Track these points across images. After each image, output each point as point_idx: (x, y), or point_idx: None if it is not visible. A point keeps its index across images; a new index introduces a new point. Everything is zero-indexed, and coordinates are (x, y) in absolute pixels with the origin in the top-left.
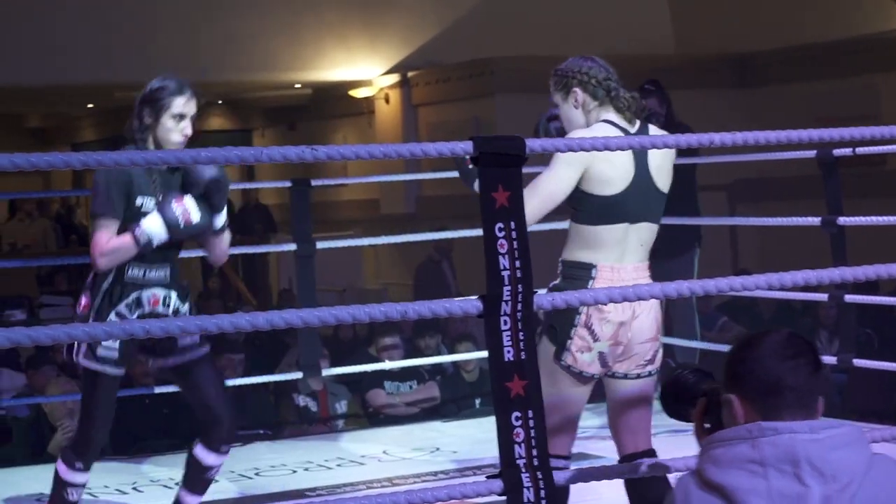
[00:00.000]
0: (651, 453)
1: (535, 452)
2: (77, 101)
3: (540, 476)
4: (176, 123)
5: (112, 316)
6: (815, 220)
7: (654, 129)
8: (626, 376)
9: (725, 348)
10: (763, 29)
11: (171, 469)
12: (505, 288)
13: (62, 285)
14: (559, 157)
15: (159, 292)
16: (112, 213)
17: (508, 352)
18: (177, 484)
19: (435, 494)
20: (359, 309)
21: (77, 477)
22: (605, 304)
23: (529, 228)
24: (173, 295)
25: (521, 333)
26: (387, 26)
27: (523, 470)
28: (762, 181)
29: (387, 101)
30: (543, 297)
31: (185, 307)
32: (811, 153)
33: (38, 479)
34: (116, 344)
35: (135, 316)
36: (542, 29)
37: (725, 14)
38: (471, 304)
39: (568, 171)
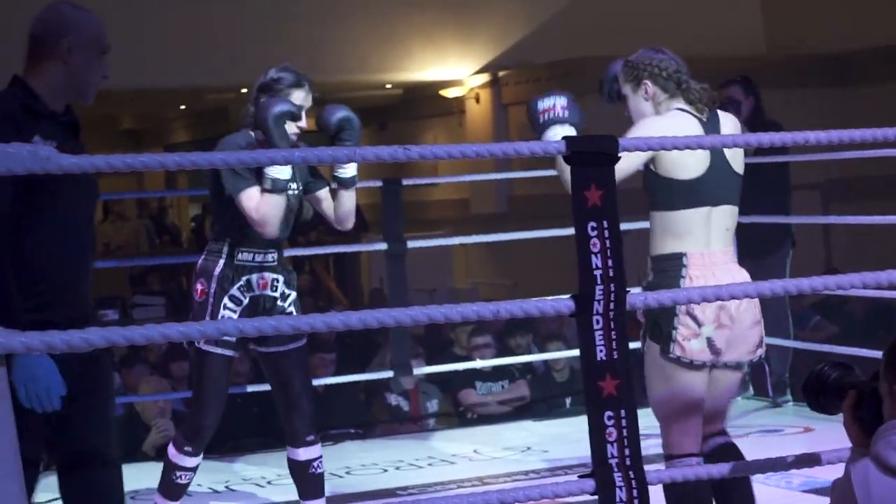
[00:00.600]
0: (725, 432)
1: (627, 452)
2: (169, 103)
3: (632, 475)
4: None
5: (226, 300)
6: None
7: (724, 117)
8: (737, 366)
9: (819, 347)
10: (856, 27)
11: (262, 468)
12: (597, 287)
13: (154, 285)
14: (630, 133)
15: (268, 276)
16: (246, 183)
17: (601, 351)
18: (269, 483)
19: (527, 493)
20: (451, 308)
21: (186, 461)
22: (698, 303)
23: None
24: (280, 279)
25: (613, 333)
26: (477, 26)
27: (615, 469)
28: (856, 180)
29: (477, 100)
30: (636, 297)
31: (293, 293)
32: None
33: (131, 477)
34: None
35: (247, 298)
36: (633, 29)
37: (817, 13)
38: (563, 303)
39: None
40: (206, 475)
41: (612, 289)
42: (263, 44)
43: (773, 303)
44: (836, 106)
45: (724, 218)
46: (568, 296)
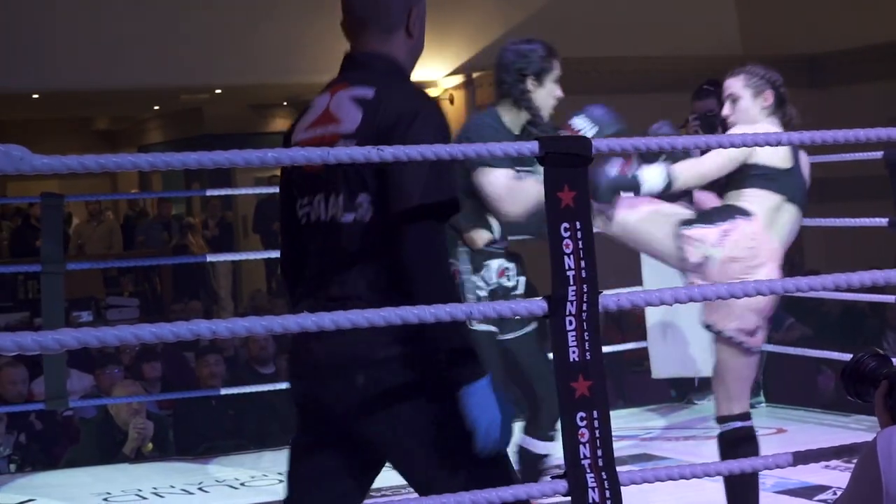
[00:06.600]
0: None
1: (600, 453)
2: (143, 103)
3: (605, 476)
4: (556, 87)
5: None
6: (882, 221)
7: None
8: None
9: (792, 350)
10: (832, 29)
11: (236, 469)
12: (570, 288)
13: (128, 287)
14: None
15: (504, 263)
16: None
17: (574, 352)
18: (242, 484)
19: (500, 495)
20: (423, 310)
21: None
22: (671, 304)
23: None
24: (513, 266)
25: (586, 334)
26: (453, 27)
27: (588, 470)
28: (828, 181)
29: (451, 101)
30: (609, 298)
31: (522, 280)
32: (878, 154)
33: (105, 479)
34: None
35: (488, 287)
36: (609, 30)
37: (793, 15)
38: (536, 304)
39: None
40: (181, 476)
41: (585, 290)
42: (237, 44)
43: None
44: (810, 107)
45: (792, 216)
46: (541, 297)
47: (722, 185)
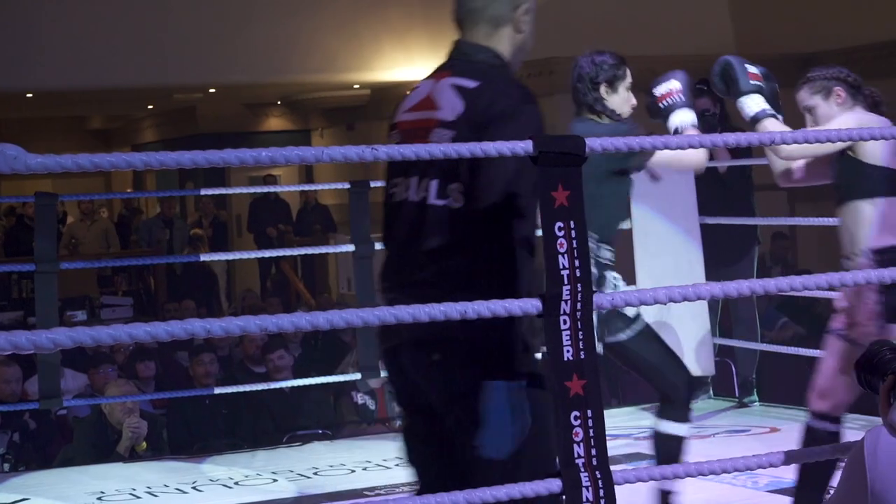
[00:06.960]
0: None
1: (594, 452)
2: (137, 102)
3: (599, 475)
4: (630, 95)
5: None
6: None
7: None
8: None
9: (785, 349)
10: (826, 28)
11: (230, 468)
12: (564, 287)
13: (122, 286)
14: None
15: (616, 274)
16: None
17: (568, 351)
18: (237, 483)
19: (494, 494)
20: (419, 309)
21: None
22: (665, 303)
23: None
24: (619, 276)
25: (580, 333)
26: (446, 26)
27: (582, 469)
28: None
29: None
30: (602, 297)
31: (628, 288)
32: None
33: (99, 478)
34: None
35: None
36: (603, 29)
37: (787, 14)
38: (530, 303)
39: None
40: (174, 475)
41: (579, 289)
42: (231, 43)
43: (741, 305)
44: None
45: None
46: (535, 297)
47: (842, 190)
